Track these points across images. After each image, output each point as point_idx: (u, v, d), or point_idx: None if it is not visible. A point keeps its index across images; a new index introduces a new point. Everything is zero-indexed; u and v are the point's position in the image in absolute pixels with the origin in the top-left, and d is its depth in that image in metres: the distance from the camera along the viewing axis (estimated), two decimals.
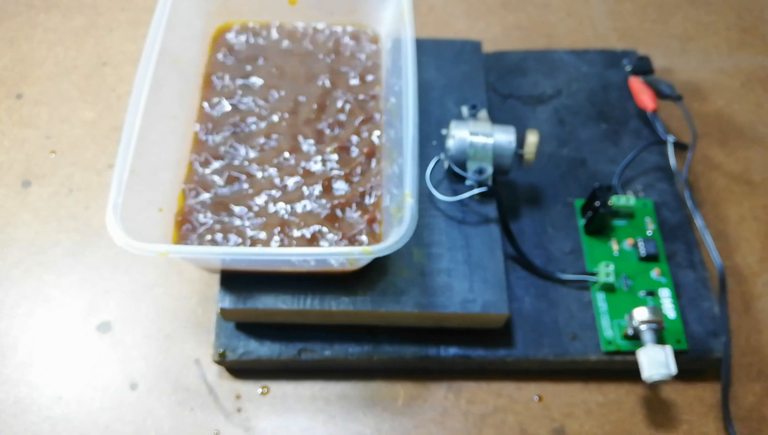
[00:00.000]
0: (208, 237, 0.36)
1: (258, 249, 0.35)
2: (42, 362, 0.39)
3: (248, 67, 0.44)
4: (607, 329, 0.38)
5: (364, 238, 0.37)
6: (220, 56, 0.44)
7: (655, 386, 0.39)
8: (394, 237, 0.31)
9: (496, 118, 0.41)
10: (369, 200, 0.38)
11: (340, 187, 0.39)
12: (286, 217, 0.37)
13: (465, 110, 0.42)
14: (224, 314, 0.36)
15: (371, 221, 0.37)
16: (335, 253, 0.32)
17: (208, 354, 0.39)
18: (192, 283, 0.42)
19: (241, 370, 0.39)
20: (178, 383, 0.38)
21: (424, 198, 0.39)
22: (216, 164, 0.39)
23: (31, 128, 0.48)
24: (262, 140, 0.40)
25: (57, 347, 0.40)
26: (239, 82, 0.43)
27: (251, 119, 0.41)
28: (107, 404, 0.38)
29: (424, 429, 0.37)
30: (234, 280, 0.36)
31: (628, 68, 0.49)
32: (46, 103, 0.50)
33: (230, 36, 0.45)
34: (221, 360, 0.37)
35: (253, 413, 0.38)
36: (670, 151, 0.44)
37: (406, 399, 0.38)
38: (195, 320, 0.40)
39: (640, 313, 0.36)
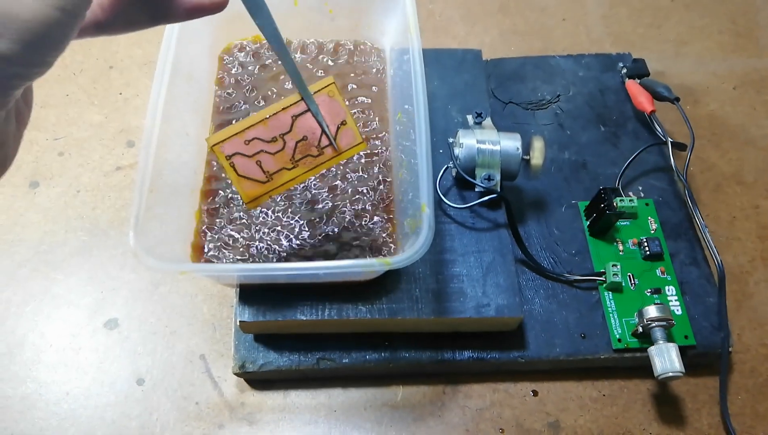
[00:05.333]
0: (227, 252, 0.37)
1: (276, 265, 0.35)
2: (49, 359, 0.40)
3: (256, 83, 0.44)
4: (617, 327, 0.39)
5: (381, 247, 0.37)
6: (228, 72, 0.44)
7: (663, 383, 0.40)
8: (413, 248, 0.31)
9: (497, 125, 0.42)
10: (382, 211, 0.38)
11: (355, 199, 0.39)
12: (302, 229, 0.38)
13: (470, 119, 0.43)
14: (243, 327, 0.37)
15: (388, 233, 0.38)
16: (354, 266, 0.33)
17: (213, 350, 0.40)
18: (197, 281, 0.42)
19: (260, 380, 0.39)
20: (184, 378, 0.39)
21: (434, 205, 0.40)
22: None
23: (39, 130, 0.49)
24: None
25: (64, 344, 0.40)
26: (247, 96, 0.43)
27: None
28: (114, 400, 0.39)
29: (422, 423, 0.38)
30: (252, 293, 0.36)
31: (624, 71, 0.50)
32: (53, 106, 0.51)
33: (238, 53, 0.45)
34: (241, 372, 0.38)
35: (256, 407, 0.39)
36: (670, 152, 0.45)
37: (405, 394, 0.39)
38: (200, 317, 0.41)
39: (650, 312, 0.37)
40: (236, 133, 0.31)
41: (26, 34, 0.20)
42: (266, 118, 0.32)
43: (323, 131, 0.32)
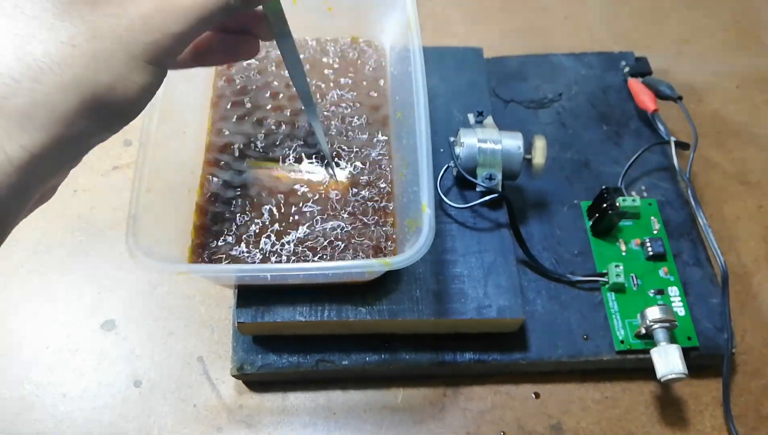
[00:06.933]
0: (225, 252, 0.36)
1: (275, 266, 0.35)
2: (46, 360, 0.40)
3: (255, 82, 0.44)
4: (619, 329, 0.39)
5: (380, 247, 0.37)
6: (227, 69, 0.44)
7: (665, 384, 0.39)
8: (414, 248, 0.31)
9: (498, 124, 0.42)
10: (382, 210, 0.38)
11: (355, 199, 0.39)
12: (301, 229, 0.38)
13: (471, 117, 0.43)
14: (242, 328, 0.36)
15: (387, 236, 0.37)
16: (353, 267, 0.33)
17: (211, 351, 0.40)
18: (195, 282, 0.42)
19: (259, 382, 0.39)
20: (181, 380, 0.39)
21: (435, 205, 0.39)
22: (228, 178, 0.39)
23: None
24: (271, 153, 0.40)
25: (61, 346, 0.40)
26: (246, 95, 0.43)
27: (260, 134, 0.41)
28: (111, 401, 0.38)
29: (423, 425, 0.38)
30: (251, 294, 0.36)
31: (626, 70, 0.50)
32: None
33: None
34: (239, 374, 0.37)
35: (255, 410, 0.38)
36: (673, 151, 0.45)
37: (405, 396, 0.39)
38: (198, 318, 0.41)
39: (653, 313, 0.37)
40: None
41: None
42: None
43: (324, 154, 0.33)
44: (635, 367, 0.39)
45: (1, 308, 0.41)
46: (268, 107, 0.42)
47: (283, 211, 0.38)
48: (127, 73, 0.23)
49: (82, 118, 0.22)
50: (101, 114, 0.23)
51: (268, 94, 0.43)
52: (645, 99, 0.47)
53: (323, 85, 0.44)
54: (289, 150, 0.40)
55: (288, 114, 0.42)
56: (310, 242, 0.37)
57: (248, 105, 0.42)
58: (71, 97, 0.22)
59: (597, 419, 0.38)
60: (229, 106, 0.42)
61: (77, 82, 0.22)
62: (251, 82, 0.44)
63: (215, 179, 0.39)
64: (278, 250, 0.37)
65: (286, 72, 0.44)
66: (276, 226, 0.38)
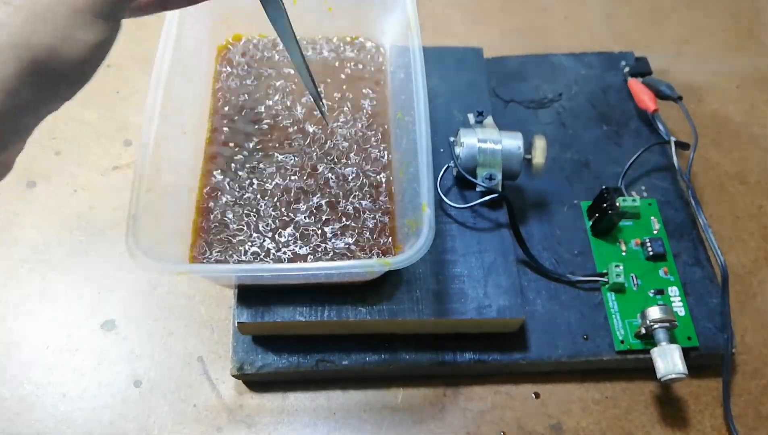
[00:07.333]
0: (225, 253, 0.37)
1: (275, 266, 0.35)
2: (46, 360, 0.39)
3: (254, 81, 0.44)
4: (619, 329, 0.39)
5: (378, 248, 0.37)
6: (226, 69, 0.44)
7: (665, 384, 0.39)
8: (414, 248, 0.31)
9: (498, 124, 0.42)
10: (382, 207, 0.38)
11: (355, 199, 0.39)
12: (302, 229, 0.38)
13: (471, 117, 0.43)
14: (242, 328, 0.37)
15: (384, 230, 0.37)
16: (353, 266, 0.33)
17: (211, 351, 0.40)
18: (195, 282, 0.42)
19: (259, 383, 0.39)
20: (181, 380, 0.39)
21: (435, 205, 0.39)
22: (228, 178, 0.39)
23: (35, 129, 0.49)
24: (271, 153, 0.41)
25: (61, 346, 0.40)
26: (246, 94, 0.43)
27: (260, 134, 0.41)
28: (111, 401, 0.38)
29: (423, 425, 0.38)
30: (251, 294, 0.36)
31: (626, 70, 0.50)
32: None
33: (236, 50, 0.45)
34: (239, 374, 0.37)
35: (255, 410, 0.38)
36: (673, 151, 0.45)
37: (405, 396, 0.39)
38: (198, 318, 0.41)
39: (653, 313, 0.37)
40: None
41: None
42: None
43: (310, 92, 0.33)
44: (635, 367, 0.39)
45: (1, 308, 0.41)
46: (269, 107, 0.42)
47: (283, 210, 0.38)
48: (71, 31, 0.20)
49: (23, 86, 0.20)
50: (45, 80, 0.21)
51: (268, 94, 0.43)
52: (645, 99, 0.47)
53: (323, 85, 0.44)
54: (290, 148, 0.40)
55: (289, 113, 0.42)
56: (310, 242, 0.37)
57: (248, 105, 0.42)
58: (8, 62, 0.19)
59: (597, 419, 0.38)
60: (229, 106, 0.42)
61: (14, 45, 0.19)
62: (252, 82, 0.44)
63: (215, 179, 0.39)
64: (278, 250, 0.37)
65: (286, 71, 0.44)
66: (276, 225, 0.38)
